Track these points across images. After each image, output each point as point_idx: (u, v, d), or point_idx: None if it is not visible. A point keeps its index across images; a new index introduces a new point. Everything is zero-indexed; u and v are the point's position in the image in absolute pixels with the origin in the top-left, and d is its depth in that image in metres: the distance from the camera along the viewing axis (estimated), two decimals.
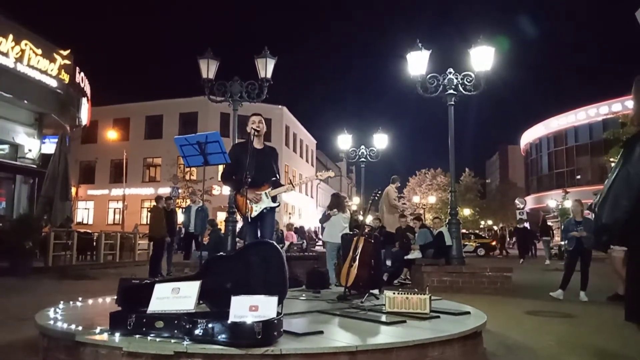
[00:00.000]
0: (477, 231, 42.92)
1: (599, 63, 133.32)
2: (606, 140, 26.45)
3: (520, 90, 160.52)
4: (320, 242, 23.90)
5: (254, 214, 4.99)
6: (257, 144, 5.26)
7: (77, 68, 18.39)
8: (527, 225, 24.93)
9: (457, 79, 9.34)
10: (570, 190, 35.16)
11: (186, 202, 27.28)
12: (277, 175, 5.16)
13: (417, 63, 9.49)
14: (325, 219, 9.45)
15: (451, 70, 9.41)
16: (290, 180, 4.97)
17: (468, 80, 9.30)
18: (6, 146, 16.36)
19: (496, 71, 9.61)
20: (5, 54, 14.44)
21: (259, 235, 5.18)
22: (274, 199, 5.07)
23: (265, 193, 5.00)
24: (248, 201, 4.94)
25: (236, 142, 9.89)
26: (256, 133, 5.14)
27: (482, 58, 9.17)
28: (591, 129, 45.63)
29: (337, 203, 9.26)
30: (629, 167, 2.12)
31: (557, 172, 51.77)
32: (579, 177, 47.97)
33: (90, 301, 4.85)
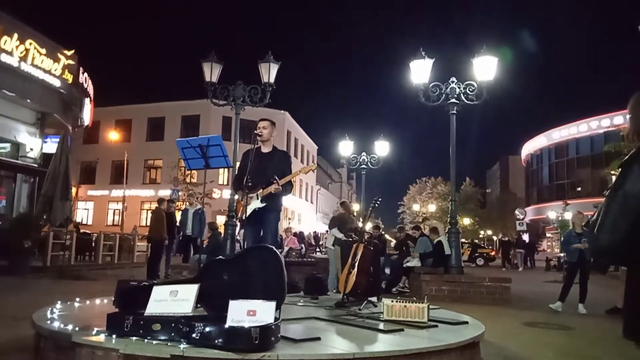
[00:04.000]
0: (476, 241, 42.89)
1: (602, 75, 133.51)
2: (607, 153, 26.44)
3: (522, 100, 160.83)
4: (319, 249, 23.89)
5: (245, 215, 4.98)
6: (265, 149, 5.29)
7: (81, 68, 18.44)
8: (525, 236, 25.65)
9: (459, 88, 9.37)
10: (571, 202, 35.16)
11: (185, 204, 27.31)
12: (275, 177, 5.09)
13: (420, 71, 9.52)
14: None
15: (454, 79, 9.44)
16: (276, 179, 4.92)
17: (470, 89, 9.33)
18: (8, 145, 16.37)
19: (499, 81, 9.64)
20: (10, 53, 14.48)
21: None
22: (263, 199, 5.04)
23: (257, 194, 5.02)
24: (243, 204, 4.95)
25: (237, 146, 9.97)
26: (258, 138, 5.15)
27: (485, 68, 9.20)
28: (592, 141, 45.67)
29: None
30: (626, 189, 2.11)
31: (558, 183, 51.78)
32: (579, 189, 47.97)
33: (87, 302, 4.83)
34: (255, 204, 5.02)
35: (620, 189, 2.15)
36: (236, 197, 5.33)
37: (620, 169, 2.25)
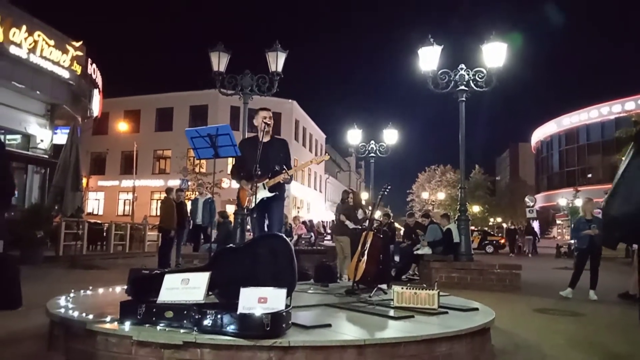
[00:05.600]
0: (485, 228, 42.79)
1: (613, 61, 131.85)
2: (618, 139, 26.15)
3: (532, 86, 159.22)
4: (328, 237, 23.91)
5: (252, 204, 4.98)
6: (264, 137, 5.28)
7: (89, 60, 18.48)
8: (536, 223, 25.94)
9: (468, 75, 9.27)
10: (581, 189, 34.91)
11: (195, 194, 27.41)
12: (284, 166, 5.12)
13: (429, 58, 9.43)
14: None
15: (463, 66, 9.34)
16: (285, 169, 4.92)
17: (480, 76, 9.23)
18: (18, 136, 16.51)
19: (508, 67, 9.53)
20: (19, 45, 14.54)
21: (266, 227, 5.20)
22: (271, 188, 5.06)
23: (263, 184, 5.02)
24: (249, 193, 4.96)
25: (245, 136, 9.95)
26: (267, 127, 5.15)
27: (494, 54, 9.09)
28: (603, 128, 45.25)
29: None
30: None
31: (568, 170, 51.41)
32: (590, 175, 47.58)
33: (100, 290, 4.90)
34: (263, 193, 5.02)
35: (634, 161, 2.08)
36: (237, 186, 5.35)
37: (633, 143, 2.20)
